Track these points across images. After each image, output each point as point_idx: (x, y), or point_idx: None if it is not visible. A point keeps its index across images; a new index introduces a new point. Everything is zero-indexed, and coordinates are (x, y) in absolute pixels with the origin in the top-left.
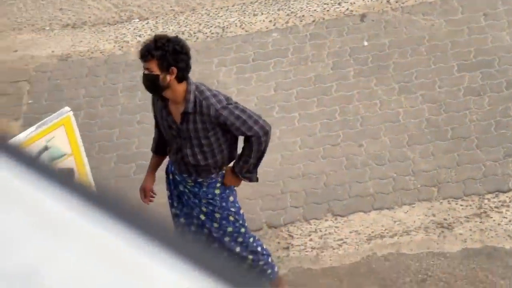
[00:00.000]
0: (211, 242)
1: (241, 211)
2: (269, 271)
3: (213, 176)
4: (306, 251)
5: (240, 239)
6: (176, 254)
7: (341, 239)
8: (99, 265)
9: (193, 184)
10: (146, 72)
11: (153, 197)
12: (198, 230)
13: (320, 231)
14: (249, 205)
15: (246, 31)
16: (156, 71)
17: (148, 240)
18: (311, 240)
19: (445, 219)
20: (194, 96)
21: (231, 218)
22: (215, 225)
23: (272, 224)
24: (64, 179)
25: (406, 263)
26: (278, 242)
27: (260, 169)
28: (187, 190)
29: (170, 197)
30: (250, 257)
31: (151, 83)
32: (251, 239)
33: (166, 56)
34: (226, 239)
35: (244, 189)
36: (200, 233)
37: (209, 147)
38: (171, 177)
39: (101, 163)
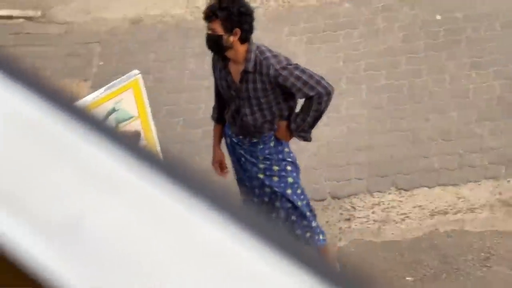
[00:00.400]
0: (273, 201)
1: (297, 162)
2: (321, 236)
3: (267, 133)
4: (368, 224)
5: (299, 191)
6: (238, 223)
7: (404, 213)
8: (149, 222)
9: (248, 144)
10: (210, 32)
11: (227, 170)
12: (260, 192)
13: (383, 204)
14: (313, 175)
15: (318, 1)
16: (219, 31)
17: (211, 208)
18: (373, 213)
19: (511, 198)
20: (254, 56)
21: (289, 168)
22: (275, 179)
23: (335, 195)
24: (128, 142)
25: (468, 240)
26: (341, 213)
27: (326, 140)
28: (242, 152)
29: (232, 161)
30: (308, 213)
31: (214, 43)
32: (306, 194)
33: (231, 17)
34: (288, 191)
35: (309, 159)
36: (262, 193)
37: (267, 106)
38: (228, 140)
39: (167, 127)
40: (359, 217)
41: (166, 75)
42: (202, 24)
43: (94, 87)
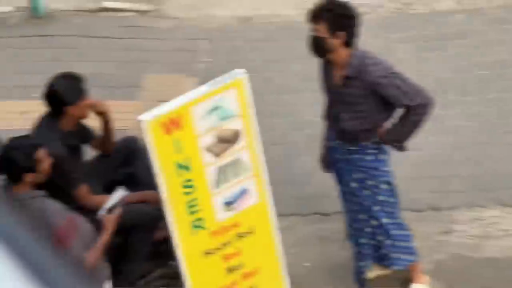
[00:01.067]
0: (358, 213)
1: (394, 181)
2: (408, 257)
3: (365, 143)
4: (467, 238)
5: (389, 209)
6: None
7: (505, 230)
8: None
9: (346, 151)
10: (313, 33)
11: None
12: (350, 198)
13: (484, 219)
14: (413, 185)
15: (430, 9)
16: (324, 33)
17: None
18: (473, 227)
19: None
20: (357, 62)
21: (383, 186)
22: (366, 192)
23: (435, 207)
24: None
25: None
26: (439, 226)
27: (428, 150)
28: (340, 157)
29: (332, 164)
30: (394, 232)
31: (317, 45)
32: (399, 214)
33: (336, 19)
34: (376, 208)
35: (409, 168)
36: (350, 201)
37: (366, 114)
38: (328, 143)
39: (271, 128)
40: (458, 231)
41: (272, 76)
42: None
43: (200, 83)
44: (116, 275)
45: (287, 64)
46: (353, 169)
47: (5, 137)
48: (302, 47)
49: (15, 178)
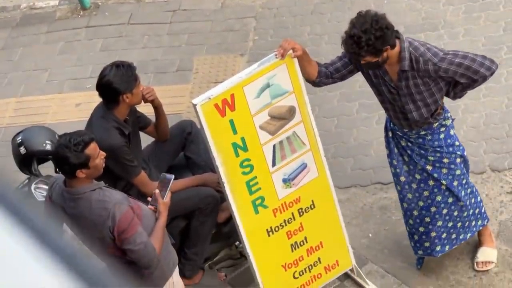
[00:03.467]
0: (435, 195)
1: (466, 154)
2: (480, 222)
3: (435, 124)
4: None
5: (464, 181)
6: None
7: None
8: None
9: (416, 136)
10: (364, 62)
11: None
12: (420, 186)
13: None
14: (472, 147)
15: None
16: (373, 59)
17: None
18: None
19: None
20: (409, 53)
21: (458, 160)
22: (444, 171)
23: (495, 168)
24: None
25: None
26: (502, 186)
27: (485, 111)
28: (410, 144)
29: (390, 155)
30: (470, 201)
31: (374, 67)
32: (472, 184)
33: (374, 46)
34: (455, 183)
35: (467, 131)
36: (422, 187)
37: (432, 100)
38: (390, 134)
39: (324, 101)
40: None
41: (321, 49)
42: None
43: (250, 62)
44: (181, 259)
45: (335, 37)
46: (428, 152)
47: (61, 130)
48: (349, 19)
49: (69, 175)
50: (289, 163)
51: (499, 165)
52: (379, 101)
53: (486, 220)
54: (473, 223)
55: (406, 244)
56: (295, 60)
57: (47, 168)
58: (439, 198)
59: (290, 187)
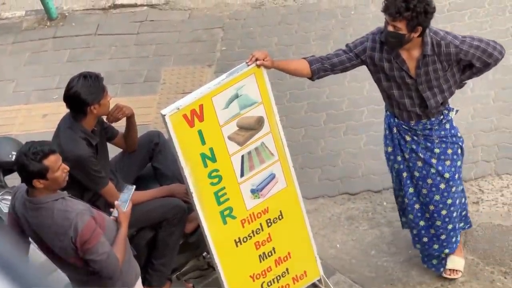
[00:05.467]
0: (434, 193)
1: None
2: (462, 224)
3: (441, 114)
4: (497, 207)
5: (461, 175)
6: None
7: None
8: None
9: (422, 127)
10: (391, 29)
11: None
12: (418, 186)
13: None
14: None
15: None
16: (403, 30)
17: None
18: (502, 195)
19: None
20: (430, 38)
21: (459, 151)
22: (447, 163)
23: (463, 178)
24: None
25: None
26: (468, 196)
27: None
28: (416, 137)
29: (393, 152)
30: (461, 200)
31: (396, 41)
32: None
33: (418, 17)
34: (456, 176)
35: None
36: (422, 187)
37: (447, 86)
38: (395, 130)
39: (292, 111)
40: (488, 200)
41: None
42: (325, 7)
43: (218, 73)
44: (148, 270)
45: (303, 47)
46: (434, 144)
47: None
48: (317, 28)
49: (26, 183)
50: (258, 173)
51: (465, 175)
52: (389, 97)
53: (468, 225)
54: (460, 224)
55: (374, 254)
56: (264, 70)
57: (17, 180)
58: (437, 197)
59: (258, 197)
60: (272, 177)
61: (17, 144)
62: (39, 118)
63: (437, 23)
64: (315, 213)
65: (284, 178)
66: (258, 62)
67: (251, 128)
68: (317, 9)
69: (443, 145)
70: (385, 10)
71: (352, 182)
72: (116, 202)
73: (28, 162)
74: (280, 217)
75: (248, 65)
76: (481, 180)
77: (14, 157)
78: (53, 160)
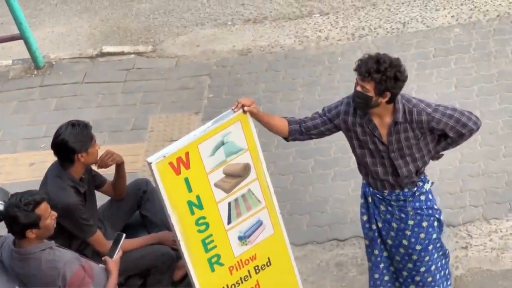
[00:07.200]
0: (407, 261)
1: (442, 217)
2: (449, 281)
3: (415, 185)
4: (486, 252)
5: (439, 244)
6: None
7: None
8: None
9: (396, 198)
10: (360, 89)
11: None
12: (395, 250)
13: (501, 231)
14: None
15: (428, 26)
16: (370, 92)
17: None
18: (491, 240)
19: None
20: (402, 105)
21: (435, 224)
22: (422, 235)
23: (450, 223)
24: None
25: None
26: (457, 242)
27: (439, 167)
28: (390, 208)
29: (368, 220)
30: (442, 262)
31: (362, 102)
32: (444, 246)
33: (386, 81)
34: (430, 247)
35: None
36: (396, 252)
37: (420, 155)
38: (370, 199)
39: (279, 158)
40: (476, 245)
41: (276, 106)
42: (312, 54)
43: (205, 120)
44: None
45: (290, 94)
46: (408, 216)
47: (14, 190)
48: (304, 75)
49: (19, 235)
50: (245, 220)
51: (454, 220)
52: (362, 163)
53: (450, 281)
54: (447, 282)
55: None
56: (250, 117)
57: (2, 228)
58: (410, 265)
59: (246, 244)
60: (259, 223)
61: (4, 194)
62: (26, 167)
63: (425, 68)
64: (303, 259)
65: (272, 224)
66: (246, 108)
67: (237, 175)
68: (304, 55)
69: (418, 217)
70: (357, 68)
71: (340, 228)
72: (104, 258)
73: (21, 213)
74: (268, 263)
75: (234, 112)
76: (469, 225)
77: (0, 206)
78: (44, 208)
